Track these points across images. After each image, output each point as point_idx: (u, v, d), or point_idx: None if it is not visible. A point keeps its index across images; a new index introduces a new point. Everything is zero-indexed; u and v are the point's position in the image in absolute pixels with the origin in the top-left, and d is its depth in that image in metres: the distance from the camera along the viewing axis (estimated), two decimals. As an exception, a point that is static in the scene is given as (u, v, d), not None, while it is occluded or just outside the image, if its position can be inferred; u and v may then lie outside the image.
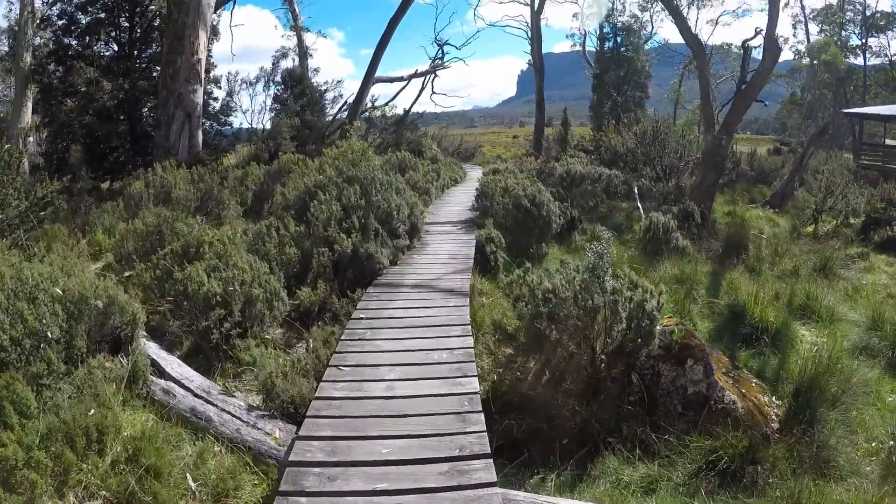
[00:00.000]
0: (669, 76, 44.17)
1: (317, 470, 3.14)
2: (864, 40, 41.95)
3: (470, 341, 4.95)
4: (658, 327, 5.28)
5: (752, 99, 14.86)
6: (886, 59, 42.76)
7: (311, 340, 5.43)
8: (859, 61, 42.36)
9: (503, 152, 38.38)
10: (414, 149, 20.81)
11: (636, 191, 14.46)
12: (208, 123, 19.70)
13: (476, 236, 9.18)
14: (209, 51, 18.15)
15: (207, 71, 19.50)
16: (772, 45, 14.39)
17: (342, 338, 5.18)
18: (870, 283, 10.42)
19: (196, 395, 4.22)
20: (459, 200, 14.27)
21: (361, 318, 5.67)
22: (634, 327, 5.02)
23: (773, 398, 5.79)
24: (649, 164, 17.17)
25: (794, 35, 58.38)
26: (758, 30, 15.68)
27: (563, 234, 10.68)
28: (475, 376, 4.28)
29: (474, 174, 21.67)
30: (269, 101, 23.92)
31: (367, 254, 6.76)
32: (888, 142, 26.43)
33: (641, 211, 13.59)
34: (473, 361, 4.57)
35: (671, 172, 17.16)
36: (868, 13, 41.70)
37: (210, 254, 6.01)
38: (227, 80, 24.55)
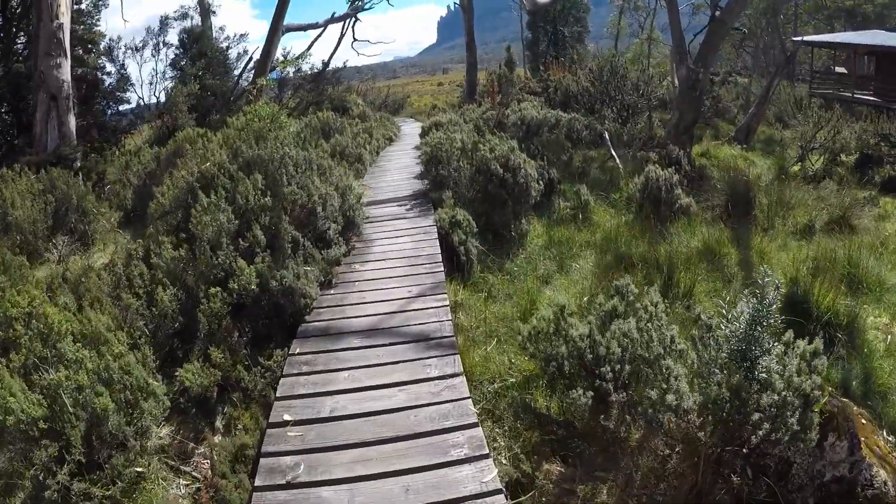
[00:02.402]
0: (601, 14, 41.92)
1: None
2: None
3: (490, 469, 2.61)
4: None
5: (731, 25, 12.87)
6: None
7: (211, 462, 3.02)
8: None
9: (430, 101, 35.51)
10: (338, 106, 17.93)
11: (606, 137, 12.23)
12: (105, 102, 16.22)
13: (436, 220, 6.75)
14: (96, 17, 14.72)
15: (92, 41, 15.88)
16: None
17: (256, 483, 2.76)
18: (891, 233, 8.83)
19: None
20: (400, 165, 11.74)
21: (286, 424, 3.22)
22: (786, 424, 2.77)
23: (885, 433, 4.24)
24: (609, 105, 14.95)
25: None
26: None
27: (540, 201, 8.35)
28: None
29: (408, 128, 19.17)
30: (161, 67, 20.17)
31: (282, 287, 4.22)
32: (838, 69, 25.61)
33: (617, 160, 11.42)
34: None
35: (633, 112, 15.04)
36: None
37: (29, 334, 3.39)
38: (111, 47, 20.34)
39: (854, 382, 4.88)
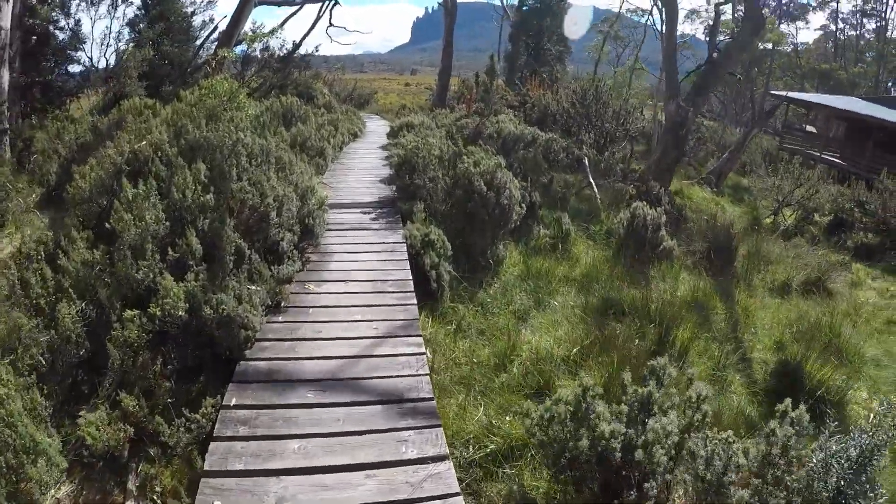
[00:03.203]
0: (583, 37, 41.90)
1: None
2: (776, 25, 42.49)
3: None
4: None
5: (727, 70, 12.53)
6: (791, 46, 43.71)
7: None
8: (767, 45, 42.73)
9: (397, 99, 34.64)
10: (303, 93, 16.85)
11: (586, 163, 11.64)
12: (53, 60, 14.67)
13: (405, 236, 5.93)
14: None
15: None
16: (754, 15, 11.99)
17: None
18: (863, 301, 8.61)
19: None
20: (366, 164, 10.84)
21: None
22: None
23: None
24: (590, 129, 14.41)
25: (706, 10, 58.42)
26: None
27: (519, 225, 7.60)
28: None
29: (374, 125, 18.31)
30: (115, 26, 18.48)
31: (218, 317, 3.30)
32: (808, 128, 26.19)
33: (595, 189, 10.82)
34: None
35: (611, 140, 14.57)
36: (784, 0, 42.04)
37: None
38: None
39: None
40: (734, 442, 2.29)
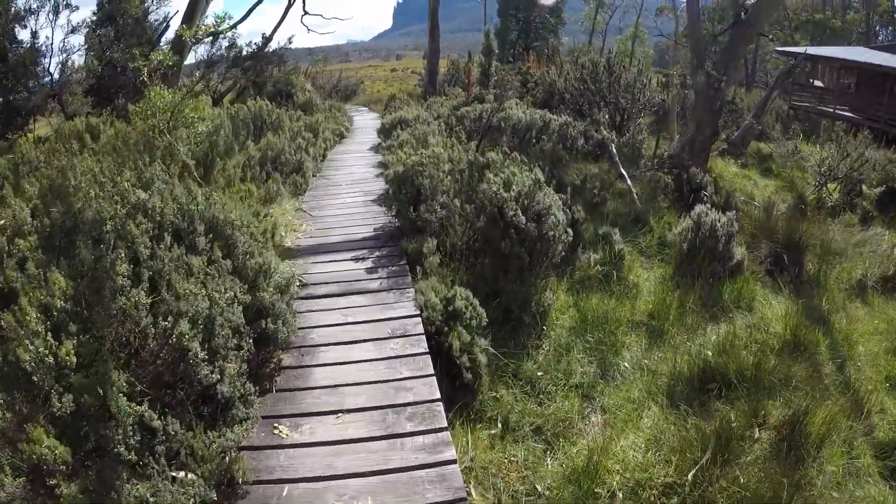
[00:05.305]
0: (573, 6, 39.76)
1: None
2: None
3: None
4: None
5: (758, 31, 10.86)
6: (780, -2, 41.89)
7: None
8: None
9: (384, 87, 32.85)
10: (282, 90, 15.05)
11: (613, 150, 9.88)
12: (10, 78, 12.85)
13: (419, 305, 4.26)
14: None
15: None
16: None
17: None
18: None
19: None
20: (354, 177, 9.12)
21: None
22: None
23: None
24: (603, 107, 12.58)
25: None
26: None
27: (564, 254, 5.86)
28: None
29: (362, 120, 16.54)
30: (59, 35, 16.55)
31: None
32: (817, 83, 24.49)
33: (629, 182, 9.08)
34: None
35: (628, 117, 12.77)
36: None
37: None
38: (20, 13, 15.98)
39: None
40: None
